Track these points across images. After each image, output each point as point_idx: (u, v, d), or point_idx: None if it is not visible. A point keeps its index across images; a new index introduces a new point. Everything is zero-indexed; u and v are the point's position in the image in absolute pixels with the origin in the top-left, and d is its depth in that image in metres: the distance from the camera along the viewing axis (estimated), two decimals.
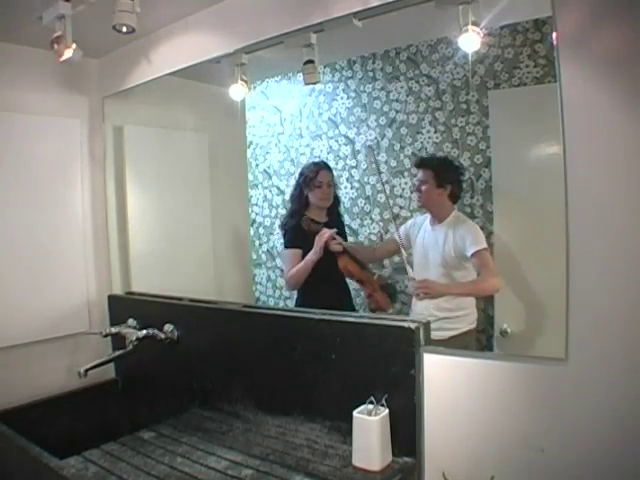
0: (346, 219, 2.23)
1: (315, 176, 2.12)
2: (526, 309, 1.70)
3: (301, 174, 2.20)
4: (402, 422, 1.33)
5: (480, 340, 1.82)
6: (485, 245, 1.76)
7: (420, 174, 1.95)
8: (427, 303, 1.83)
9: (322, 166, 2.17)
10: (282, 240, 2.26)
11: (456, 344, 1.67)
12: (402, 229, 2.02)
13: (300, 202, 2.15)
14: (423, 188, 1.92)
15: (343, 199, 2.24)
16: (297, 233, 2.11)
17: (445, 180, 1.88)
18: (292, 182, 2.35)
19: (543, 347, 1.27)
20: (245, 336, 1.71)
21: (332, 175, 2.17)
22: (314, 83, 1.76)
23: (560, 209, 1.16)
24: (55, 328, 2.08)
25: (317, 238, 2.04)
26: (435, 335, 1.38)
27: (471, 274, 1.81)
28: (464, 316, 1.81)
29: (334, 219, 2.17)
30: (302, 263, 2.06)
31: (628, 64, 1.08)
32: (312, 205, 2.13)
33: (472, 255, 1.76)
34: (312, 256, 2.04)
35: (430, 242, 1.91)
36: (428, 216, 1.95)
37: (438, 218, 1.90)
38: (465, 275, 1.82)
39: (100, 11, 1.62)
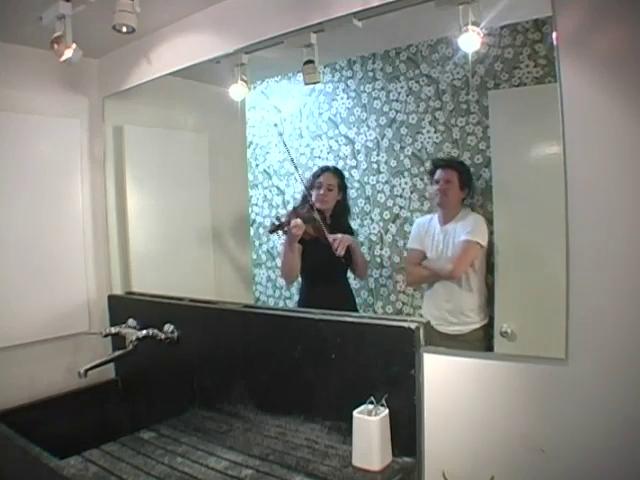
0: None
1: (317, 177, 2.13)
2: (526, 309, 1.69)
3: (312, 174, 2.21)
4: (402, 422, 1.33)
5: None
6: (478, 239, 1.76)
7: (442, 173, 1.91)
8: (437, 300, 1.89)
9: (328, 169, 2.17)
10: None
11: (476, 336, 1.75)
12: (414, 240, 2.01)
13: (304, 201, 2.15)
14: (448, 187, 1.89)
15: None
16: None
17: (466, 183, 1.88)
18: (292, 182, 2.37)
19: (543, 347, 1.27)
20: (245, 336, 1.71)
21: (337, 181, 2.15)
22: (314, 83, 1.76)
23: (560, 209, 1.16)
24: (55, 328, 2.08)
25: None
26: (454, 330, 1.38)
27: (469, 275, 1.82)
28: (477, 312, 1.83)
29: (338, 229, 2.08)
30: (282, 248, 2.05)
31: (628, 64, 1.08)
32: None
33: (461, 241, 1.79)
34: (286, 239, 2.02)
35: (441, 241, 1.92)
36: (434, 216, 1.95)
37: (448, 217, 1.91)
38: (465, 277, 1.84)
39: (100, 11, 1.62)
